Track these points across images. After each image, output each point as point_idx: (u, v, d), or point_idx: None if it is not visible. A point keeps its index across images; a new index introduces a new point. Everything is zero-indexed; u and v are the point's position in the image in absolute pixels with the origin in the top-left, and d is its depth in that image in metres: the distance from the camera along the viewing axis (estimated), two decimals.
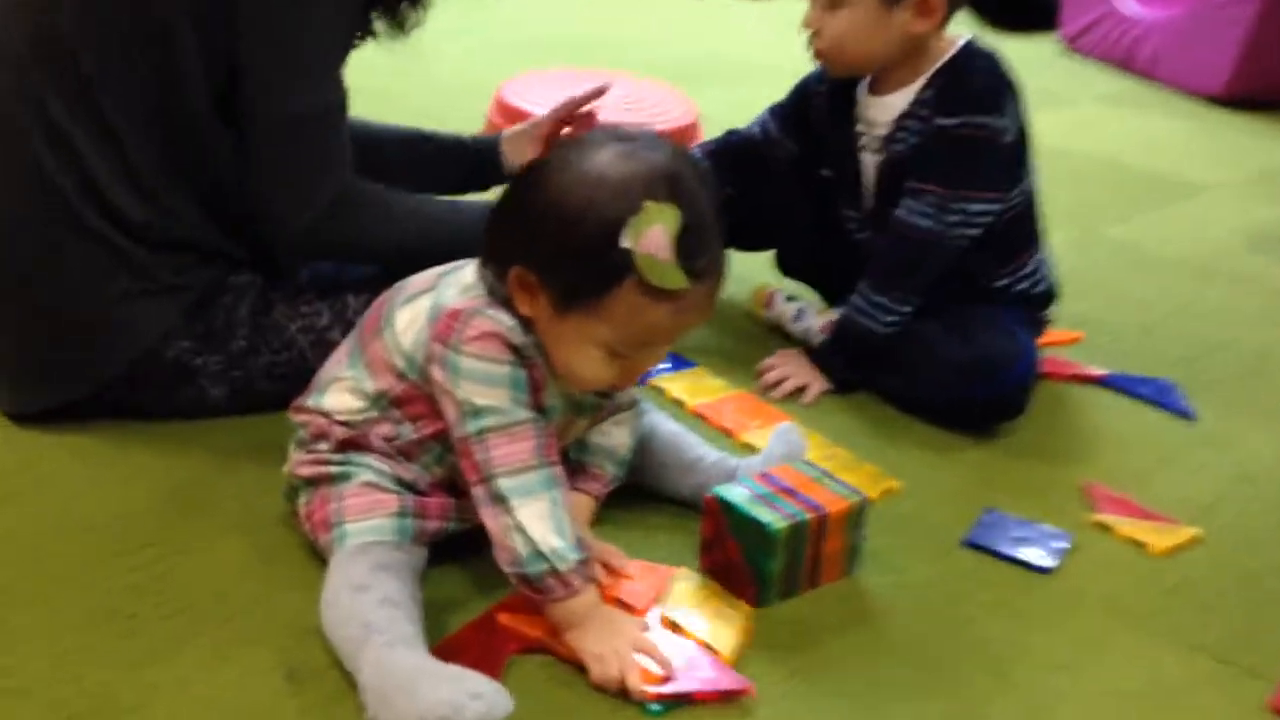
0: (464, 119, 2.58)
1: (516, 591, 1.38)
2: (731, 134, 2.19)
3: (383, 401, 1.45)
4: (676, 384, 1.97)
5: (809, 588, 1.55)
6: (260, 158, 1.62)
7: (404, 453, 1.46)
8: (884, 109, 1.96)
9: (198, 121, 1.62)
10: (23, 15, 1.60)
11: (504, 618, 1.41)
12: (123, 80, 1.59)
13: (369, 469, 1.45)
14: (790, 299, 2.18)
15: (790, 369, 1.99)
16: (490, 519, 1.36)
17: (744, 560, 1.50)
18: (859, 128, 2.00)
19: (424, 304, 1.43)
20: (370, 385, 1.46)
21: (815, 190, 2.13)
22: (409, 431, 1.46)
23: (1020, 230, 2.00)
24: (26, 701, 1.25)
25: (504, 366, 1.36)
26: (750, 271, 2.25)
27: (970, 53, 1.92)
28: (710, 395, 1.96)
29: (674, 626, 1.44)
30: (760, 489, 1.54)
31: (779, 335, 2.17)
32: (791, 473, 1.59)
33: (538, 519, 1.34)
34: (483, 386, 1.35)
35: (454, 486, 1.46)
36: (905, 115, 1.94)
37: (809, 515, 1.50)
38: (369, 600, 1.31)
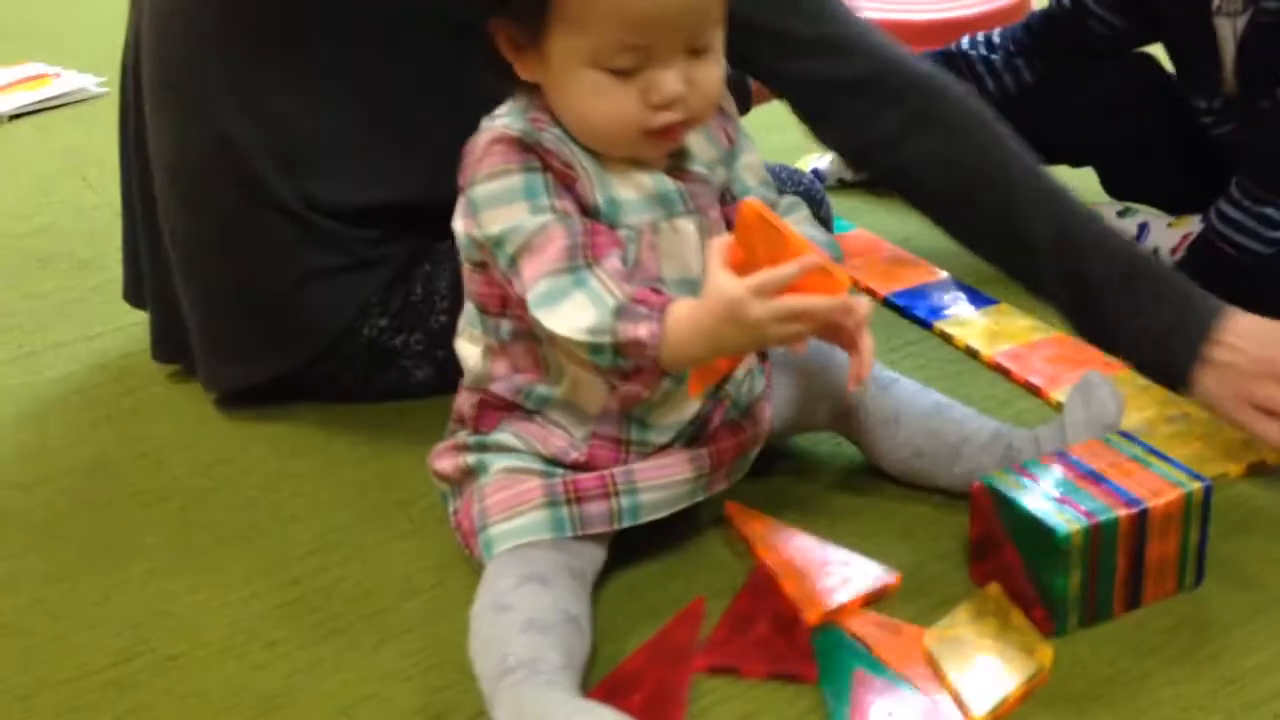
0: None
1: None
2: (1048, 14, 1.83)
3: (475, 314, 1.23)
4: (970, 327, 1.57)
5: (1125, 609, 1.15)
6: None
7: (525, 371, 1.21)
8: None
9: (425, 74, 1.45)
10: None
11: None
12: (334, 34, 1.44)
13: (506, 451, 1.21)
14: (1124, 213, 1.73)
15: None
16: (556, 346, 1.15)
17: (1027, 574, 1.13)
18: None
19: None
20: (470, 308, 1.24)
21: (1149, 78, 1.73)
22: (506, 330, 1.21)
23: None
24: None
25: (514, 176, 1.13)
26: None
27: None
28: (1015, 340, 1.54)
29: (933, 664, 1.10)
30: (1053, 475, 1.15)
31: None
32: (1100, 450, 1.19)
33: (569, 314, 1.09)
34: (497, 209, 1.13)
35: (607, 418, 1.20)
36: None
37: (1118, 513, 1.11)
38: (511, 624, 1.07)
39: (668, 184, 1.18)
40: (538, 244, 1.10)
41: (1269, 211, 1.51)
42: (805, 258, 1.02)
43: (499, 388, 1.21)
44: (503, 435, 1.21)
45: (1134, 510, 1.11)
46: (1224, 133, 1.65)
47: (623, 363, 1.08)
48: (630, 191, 1.16)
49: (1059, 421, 1.26)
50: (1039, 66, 1.81)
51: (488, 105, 1.20)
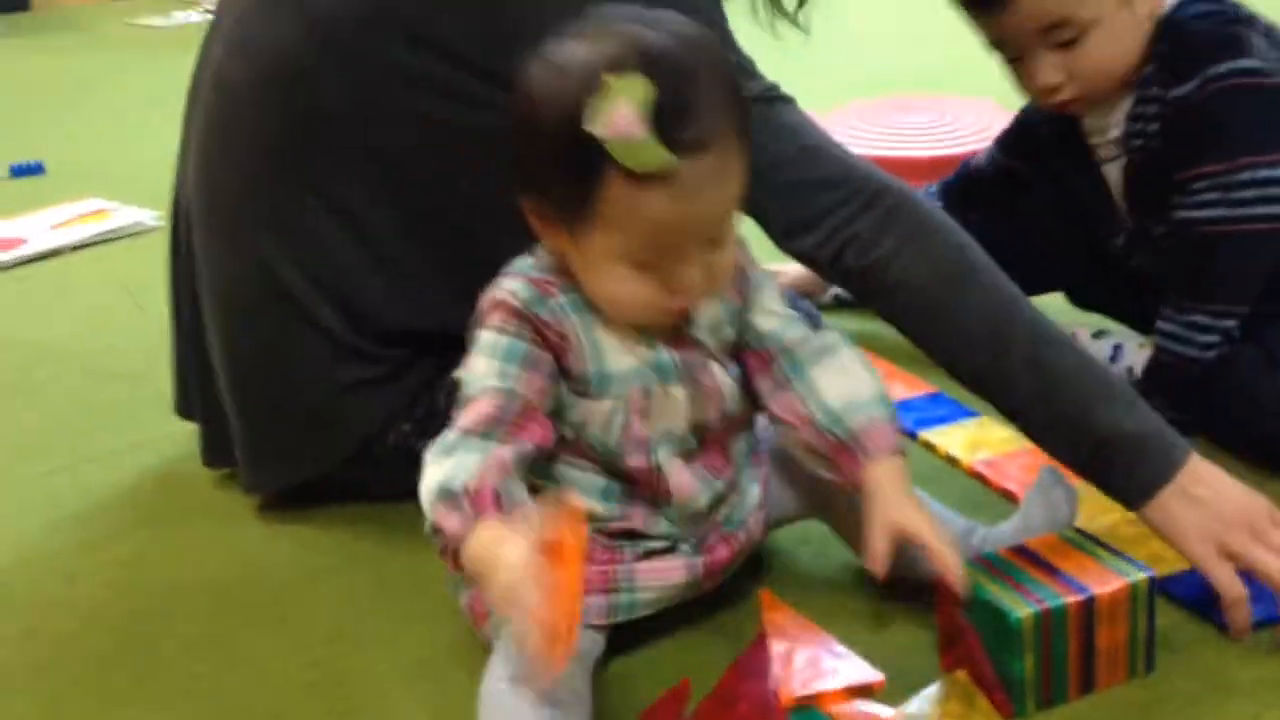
0: None
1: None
2: (965, 164, 1.91)
3: None
4: (952, 437, 1.64)
5: (1080, 693, 1.21)
6: None
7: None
8: (1108, 109, 1.61)
9: (471, 199, 1.48)
10: (262, 102, 1.50)
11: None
12: (374, 161, 1.48)
13: None
14: (1099, 335, 1.79)
15: None
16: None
17: (987, 658, 1.20)
18: (1091, 140, 1.66)
19: None
20: None
21: (1069, 219, 1.79)
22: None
23: None
24: None
25: (502, 336, 1.19)
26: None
27: (1180, 8, 1.56)
28: (993, 449, 1.60)
29: None
30: (1008, 565, 1.22)
31: None
32: (1055, 544, 1.26)
33: (436, 472, 1.13)
34: (476, 357, 1.20)
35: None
36: (1136, 104, 1.58)
37: (1067, 599, 1.18)
38: (523, 698, 1.11)
39: (664, 354, 1.23)
40: (471, 401, 1.17)
41: (1196, 319, 1.55)
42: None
43: None
44: None
45: (1082, 597, 1.18)
46: (1138, 264, 1.69)
47: (435, 539, 1.12)
48: (624, 361, 1.21)
49: (1018, 516, 1.33)
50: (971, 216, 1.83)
51: (519, 239, 1.25)
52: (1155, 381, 1.59)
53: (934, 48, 3.56)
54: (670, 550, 1.28)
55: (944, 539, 1.18)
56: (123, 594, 1.48)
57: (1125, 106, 1.59)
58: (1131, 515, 1.31)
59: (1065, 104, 1.60)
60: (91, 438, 1.85)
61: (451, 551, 1.10)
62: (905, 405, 1.70)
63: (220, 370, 1.58)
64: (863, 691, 1.23)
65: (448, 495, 1.10)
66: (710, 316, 1.26)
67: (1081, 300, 1.87)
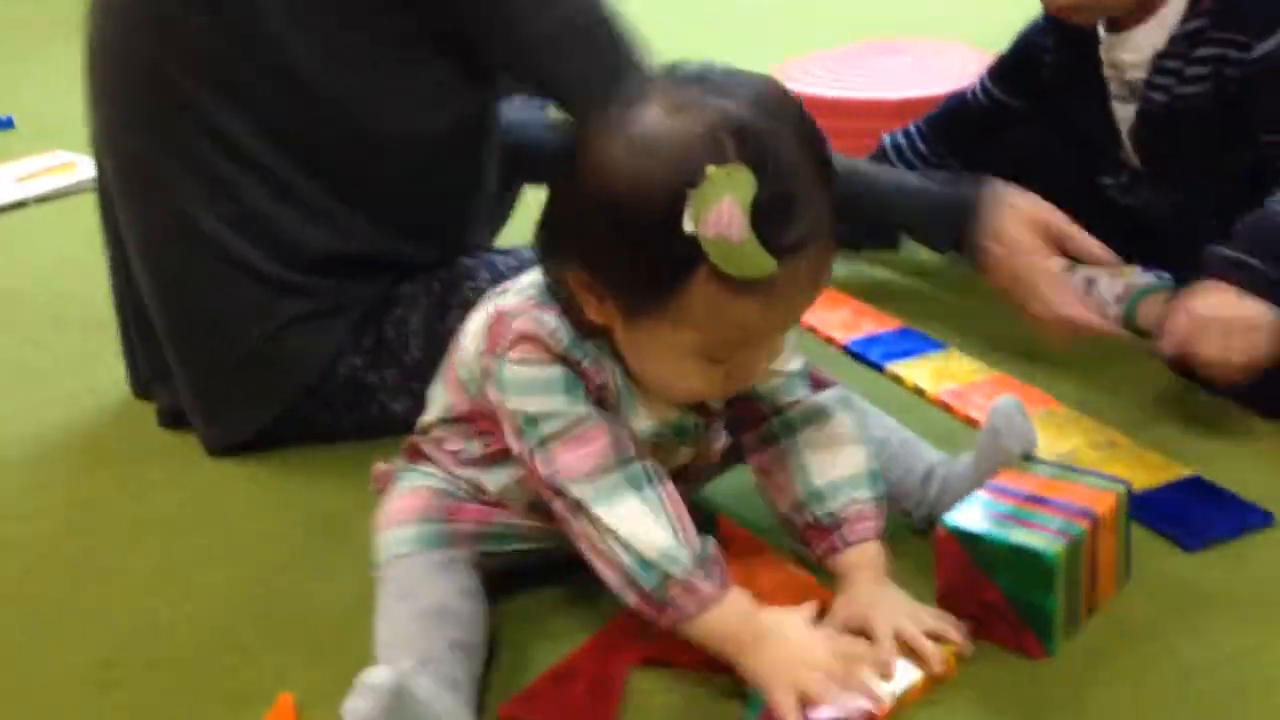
0: None
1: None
2: (953, 98, 1.83)
3: (450, 414, 1.21)
4: (918, 370, 1.60)
5: (1088, 615, 1.15)
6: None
7: (474, 465, 1.21)
8: (1133, 47, 1.52)
9: (370, 121, 1.47)
10: (140, 55, 1.48)
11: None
12: (274, 99, 1.45)
13: (422, 474, 1.23)
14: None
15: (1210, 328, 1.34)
16: (581, 539, 1.08)
17: (1010, 603, 1.11)
18: (1105, 72, 1.57)
19: (487, 308, 1.16)
20: (442, 399, 1.23)
21: (1063, 154, 1.71)
22: (478, 448, 1.20)
23: None
24: None
25: (552, 368, 1.09)
26: None
27: None
28: (958, 380, 1.56)
29: None
30: (999, 505, 1.14)
31: None
32: (1023, 476, 1.18)
33: (633, 519, 1.05)
34: (532, 394, 1.09)
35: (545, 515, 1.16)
36: (1165, 54, 1.49)
37: (1082, 525, 1.10)
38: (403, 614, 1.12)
39: (690, 419, 1.16)
40: (580, 435, 1.08)
41: None
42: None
43: (440, 454, 1.23)
44: (432, 466, 1.23)
45: (1089, 519, 1.11)
46: (1132, 203, 1.63)
47: (660, 595, 1.04)
48: (649, 422, 1.14)
49: (973, 454, 1.25)
50: (955, 150, 1.81)
51: (432, 158, 1.29)
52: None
53: None
54: None
55: (894, 645, 1.09)
56: (77, 532, 1.43)
57: (1151, 43, 1.50)
58: (1095, 438, 1.36)
59: (1071, 9, 1.51)
60: (51, 381, 1.80)
61: (688, 615, 1.05)
62: (874, 340, 1.68)
63: (160, 329, 1.54)
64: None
65: (701, 561, 1.05)
66: None
67: None
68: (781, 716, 1.01)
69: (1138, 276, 1.64)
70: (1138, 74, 1.53)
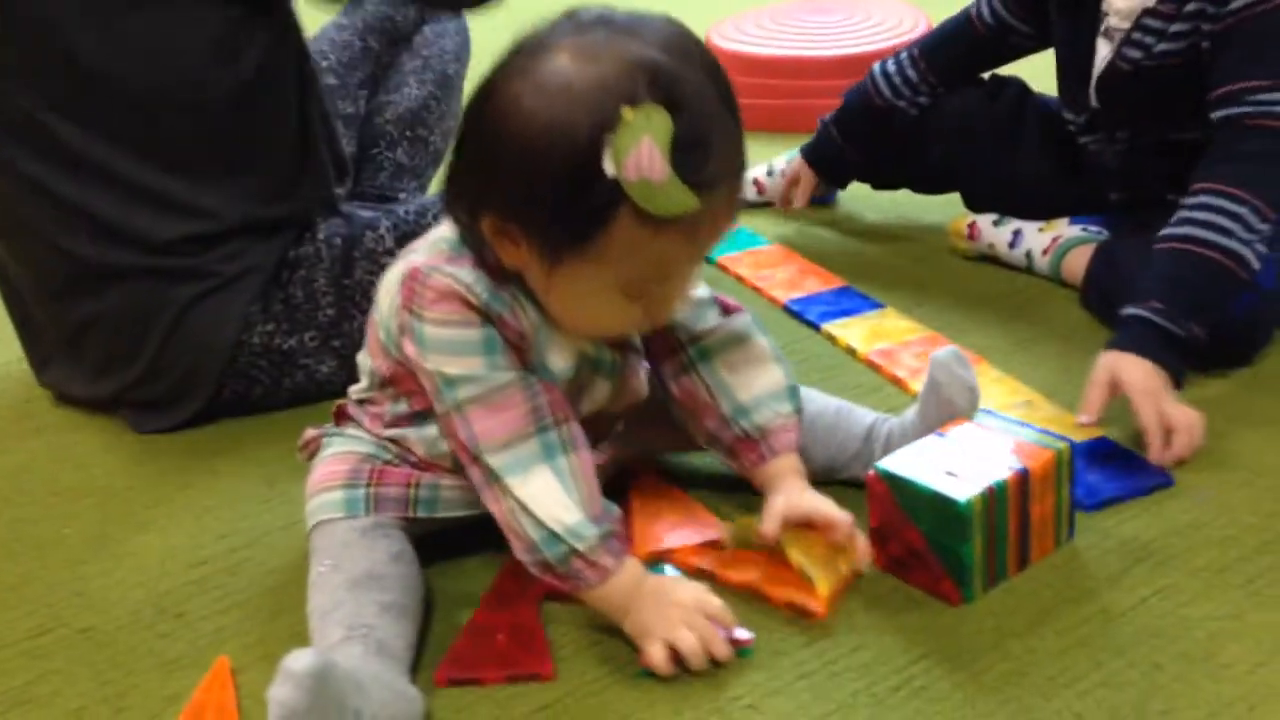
0: None
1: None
2: (949, 24, 1.80)
3: (375, 379, 1.21)
4: (853, 329, 1.60)
5: (1018, 570, 1.16)
6: None
7: (401, 424, 1.21)
8: None
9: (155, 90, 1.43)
10: None
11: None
12: (60, 84, 1.42)
13: (348, 438, 1.23)
14: (999, 222, 1.73)
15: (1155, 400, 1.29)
16: (492, 504, 1.10)
17: (931, 549, 1.13)
18: (1103, 7, 1.56)
19: (400, 266, 1.15)
20: (367, 365, 1.23)
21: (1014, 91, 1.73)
22: (404, 407, 1.20)
23: None
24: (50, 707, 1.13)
25: (471, 329, 1.10)
26: (935, 207, 1.88)
27: None
28: (890, 339, 1.57)
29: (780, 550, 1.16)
30: (935, 453, 1.16)
31: (991, 264, 1.75)
32: (971, 427, 1.20)
33: (543, 494, 1.07)
34: (452, 355, 1.10)
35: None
36: (1152, 12, 1.49)
37: (1005, 477, 1.12)
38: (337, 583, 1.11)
39: (606, 353, 1.18)
40: (497, 402, 1.09)
41: (1245, 210, 1.36)
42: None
43: (370, 423, 1.22)
44: (357, 429, 1.23)
45: (1018, 473, 1.12)
46: (1089, 141, 1.63)
47: (564, 567, 1.07)
48: (566, 359, 1.15)
49: (919, 401, 1.26)
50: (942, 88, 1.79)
51: (240, 115, 1.34)
52: (1172, 289, 1.35)
53: None
54: None
55: (844, 516, 1.14)
56: (8, 502, 1.41)
57: (1145, 2, 1.49)
58: (1015, 399, 1.39)
59: None
60: None
61: (590, 582, 1.08)
62: (814, 299, 1.69)
63: (58, 338, 1.52)
64: (712, 546, 1.21)
65: (604, 537, 1.07)
66: None
67: (980, 197, 1.78)
68: (655, 666, 1.06)
69: (1065, 229, 1.66)
70: (1122, 23, 1.53)
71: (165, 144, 1.43)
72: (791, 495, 1.16)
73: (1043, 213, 1.71)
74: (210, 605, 1.21)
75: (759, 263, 1.79)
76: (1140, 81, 1.51)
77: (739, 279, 1.75)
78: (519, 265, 1.09)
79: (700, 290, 1.22)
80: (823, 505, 1.15)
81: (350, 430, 1.23)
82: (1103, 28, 1.56)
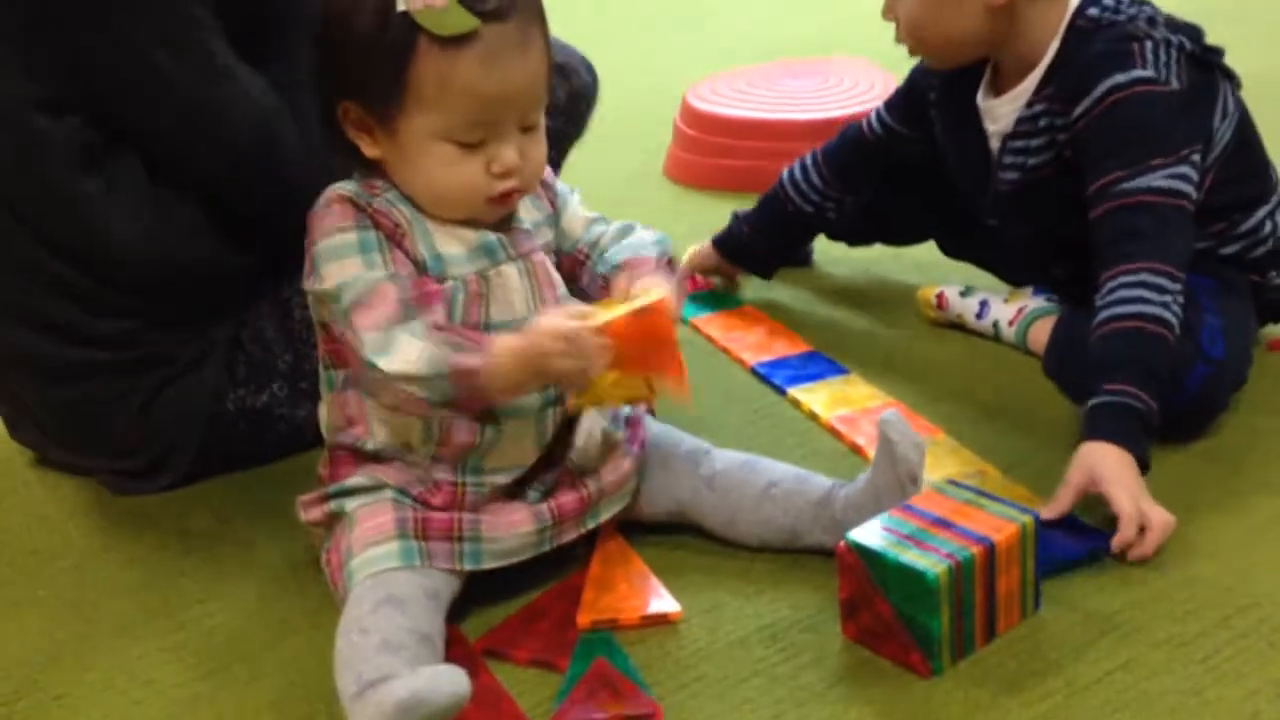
0: (650, 122, 2.49)
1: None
2: (849, 130, 1.83)
3: (322, 371, 1.27)
4: (817, 395, 1.62)
5: (985, 641, 1.17)
6: None
7: (358, 422, 1.25)
8: (994, 117, 1.57)
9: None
10: None
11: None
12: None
13: (360, 493, 1.23)
14: (966, 293, 1.75)
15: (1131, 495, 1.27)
16: (387, 398, 1.19)
17: (900, 620, 1.14)
18: (986, 125, 1.60)
19: None
20: (320, 369, 1.28)
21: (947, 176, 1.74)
22: (341, 380, 1.26)
23: (1229, 188, 1.53)
24: None
25: (349, 233, 1.19)
26: (908, 269, 1.91)
27: (1084, 19, 1.49)
28: (852, 406, 1.59)
29: None
30: (903, 525, 1.17)
31: (959, 333, 1.75)
32: (939, 498, 1.21)
33: (406, 353, 1.14)
34: (335, 263, 1.18)
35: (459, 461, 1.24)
36: (1012, 135, 1.54)
37: (973, 550, 1.13)
38: (368, 646, 1.09)
39: (489, 236, 1.23)
40: (371, 299, 1.15)
41: (1157, 279, 1.38)
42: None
43: (343, 439, 1.25)
44: (355, 479, 1.23)
45: (985, 546, 1.13)
46: (1001, 236, 1.67)
47: (453, 393, 1.13)
48: (455, 246, 1.21)
49: (869, 473, 1.27)
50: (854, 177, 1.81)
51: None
52: (1140, 374, 1.35)
53: (816, 15, 3.57)
54: (516, 496, 1.25)
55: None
56: None
57: (1014, 113, 1.54)
58: (968, 469, 1.40)
59: (910, 49, 1.57)
60: None
61: (482, 386, 1.14)
62: (781, 364, 1.70)
63: (45, 426, 1.52)
64: (659, 621, 1.23)
65: (451, 346, 1.13)
66: (532, 220, 1.28)
67: (953, 251, 1.84)
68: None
69: (1030, 300, 1.68)
70: (1000, 127, 1.57)
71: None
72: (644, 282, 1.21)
73: (1000, 263, 1.75)
74: (185, 672, 1.21)
75: (729, 325, 1.81)
76: (1027, 196, 1.55)
77: (710, 339, 1.77)
78: (378, 153, 1.19)
79: (591, 213, 1.33)
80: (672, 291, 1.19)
81: (351, 481, 1.23)
82: (992, 144, 1.59)
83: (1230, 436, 1.45)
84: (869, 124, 1.79)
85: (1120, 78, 1.43)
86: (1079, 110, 1.46)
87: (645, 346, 1.14)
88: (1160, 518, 1.25)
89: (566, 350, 1.12)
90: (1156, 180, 1.40)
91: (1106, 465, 1.28)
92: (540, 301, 1.24)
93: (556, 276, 1.28)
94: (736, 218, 1.87)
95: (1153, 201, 1.40)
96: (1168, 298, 1.36)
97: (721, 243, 1.88)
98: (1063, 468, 1.31)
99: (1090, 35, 1.48)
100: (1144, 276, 1.37)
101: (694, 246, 1.90)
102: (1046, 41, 1.50)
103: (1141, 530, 1.25)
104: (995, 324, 1.70)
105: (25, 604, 1.32)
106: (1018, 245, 1.66)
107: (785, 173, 1.84)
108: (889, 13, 1.55)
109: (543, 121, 1.22)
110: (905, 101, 1.75)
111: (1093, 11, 1.49)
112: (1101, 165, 1.43)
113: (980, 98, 1.60)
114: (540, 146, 1.22)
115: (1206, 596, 1.20)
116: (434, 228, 1.21)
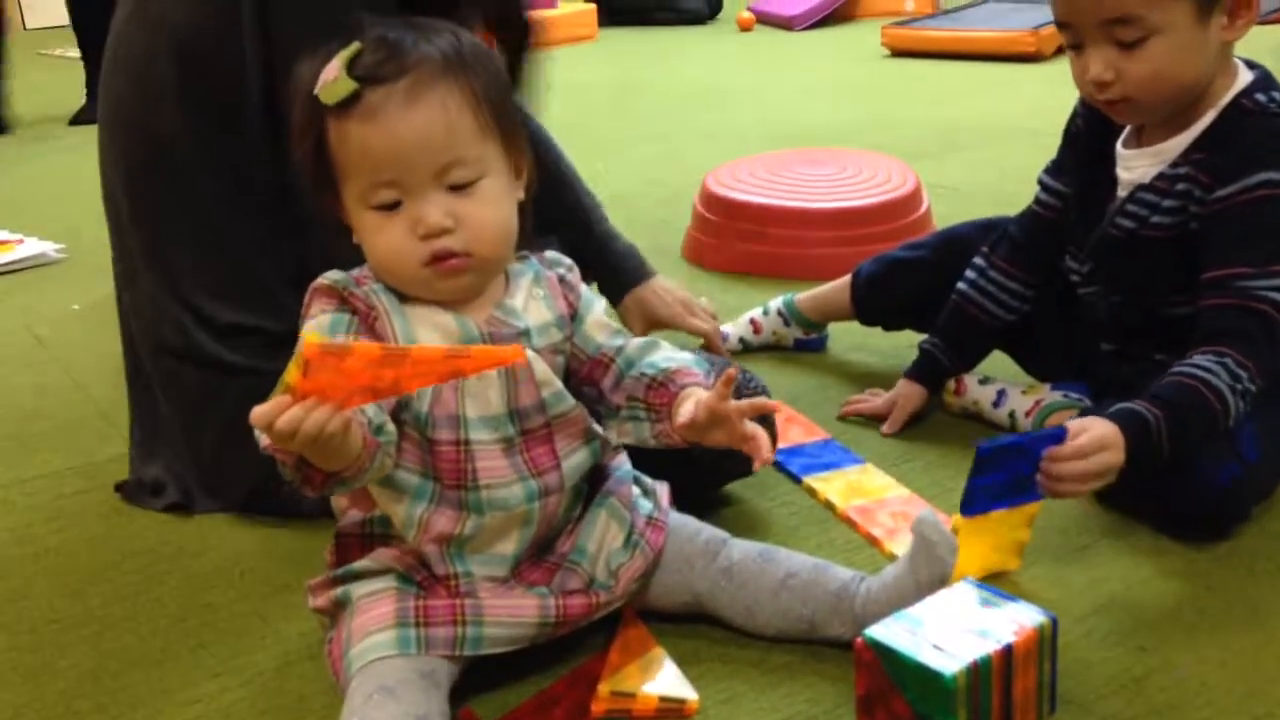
0: (670, 208, 2.51)
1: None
2: (1020, 222, 1.72)
3: None
4: (833, 483, 1.60)
5: None
6: None
7: (360, 503, 1.27)
8: (1128, 166, 1.54)
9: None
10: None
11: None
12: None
13: (366, 577, 1.22)
14: (984, 381, 1.75)
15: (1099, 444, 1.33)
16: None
17: (917, 718, 1.12)
18: (1117, 169, 1.56)
19: None
20: None
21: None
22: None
23: None
24: None
25: (324, 315, 1.19)
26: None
27: (1251, 100, 1.46)
28: (868, 496, 1.57)
29: None
30: (922, 623, 1.15)
31: (975, 423, 1.75)
32: (954, 597, 1.19)
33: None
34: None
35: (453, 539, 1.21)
36: (1146, 188, 1.51)
37: (990, 651, 1.11)
38: None
39: (471, 327, 1.20)
40: None
41: (1244, 374, 1.39)
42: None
43: (348, 523, 1.25)
44: (361, 563, 1.22)
45: (1002, 647, 1.12)
46: (1086, 293, 1.62)
47: (285, 472, 1.11)
48: (430, 333, 1.19)
49: (901, 565, 1.26)
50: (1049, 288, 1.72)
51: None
52: (1175, 413, 1.36)
53: (839, 106, 3.60)
54: (509, 581, 1.23)
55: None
56: (5, 629, 1.39)
57: (1143, 174, 1.51)
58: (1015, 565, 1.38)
59: (1113, 104, 1.48)
60: None
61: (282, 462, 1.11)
62: (797, 451, 1.69)
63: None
64: (674, 710, 1.21)
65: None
66: (538, 318, 1.25)
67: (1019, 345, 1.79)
68: None
69: (1047, 394, 1.67)
70: (1123, 192, 1.53)
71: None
72: (700, 400, 1.19)
73: (1038, 347, 1.73)
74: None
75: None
76: (1133, 249, 1.52)
77: None
78: (357, 237, 1.21)
79: (615, 323, 1.31)
80: (740, 403, 1.17)
81: (358, 565, 1.22)
82: (1119, 188, 1.56)
83: (1247, 541, 1.43)
84: (1040, 202, 1.69)
85: (1277, 176, 1.42)
86: (1224, 191, 1.43)
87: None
88: (1100, 466, 1.30)
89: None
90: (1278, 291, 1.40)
91: (1096, 423, 1.31)
92: (516, 400, 1.21)
93: (550, 377, 1.23)
94: (929, 352, 1.76)
95: (1265, 311, 1.40)
96: (1239, 386, 1.37)
97: (924, 378, 1.76)
98: (1081, 564, 1.31)
99: (1254, 120, 1.45)
100: (1228, 361, 1.38)
101: (895, 394, 1.77)
102: (1206, 108, 1.47)
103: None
104: (1011, 414, 1.69)
105: (45, 673, 1.30)
106: (1090, 303, 1.63)
107: (967, 291, 1.72)
108: (1107, 74, 1.45)
109: (490, 184, 1.18)
110: (1061, 155, 1.68)
111: (1261, 97, 1.46)
112: (1228, 254, 1.42)
113: (1120, 143, 1.56)
114: (482, 209, 1.18)
115: (1222, 704, 1.19)
116: (411, 313, 1.20)
